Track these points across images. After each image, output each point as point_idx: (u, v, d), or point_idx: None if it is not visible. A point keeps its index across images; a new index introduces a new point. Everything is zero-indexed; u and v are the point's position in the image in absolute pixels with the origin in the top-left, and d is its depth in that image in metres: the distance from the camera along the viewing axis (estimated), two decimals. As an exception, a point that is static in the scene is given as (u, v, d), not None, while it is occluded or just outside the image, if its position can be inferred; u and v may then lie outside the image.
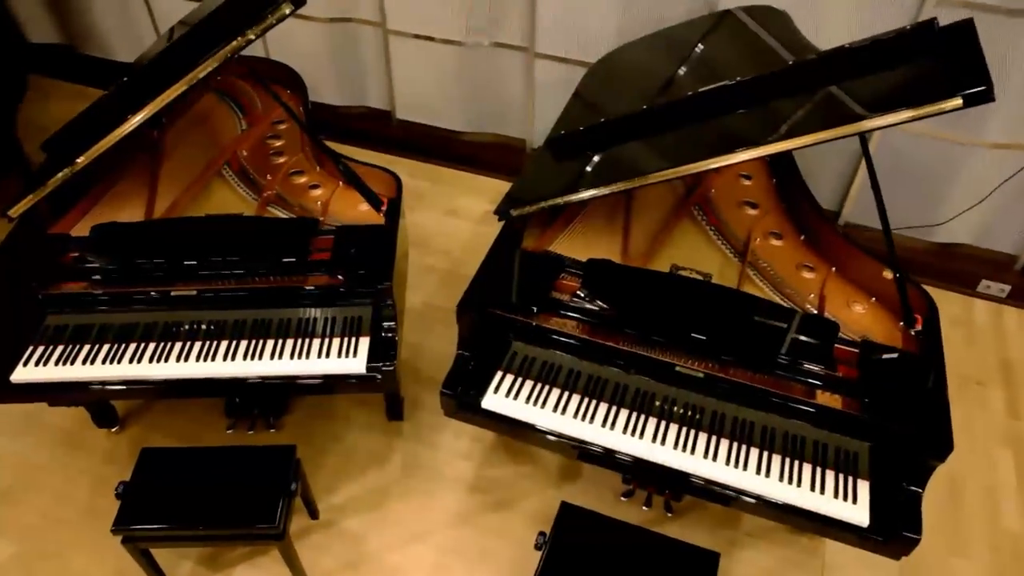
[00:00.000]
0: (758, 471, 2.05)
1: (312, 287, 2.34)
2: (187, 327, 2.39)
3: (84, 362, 2.31)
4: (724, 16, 2.85)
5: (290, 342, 2.36)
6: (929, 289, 2.25)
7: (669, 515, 2.44)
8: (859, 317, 2.20)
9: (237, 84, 3.10)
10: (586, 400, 2.20)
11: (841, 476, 2.03)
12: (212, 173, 2.69)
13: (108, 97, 2.46)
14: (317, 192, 2.63)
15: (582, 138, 2.39)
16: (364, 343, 2.34)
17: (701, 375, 2.07)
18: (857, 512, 1.97)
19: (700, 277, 2.28)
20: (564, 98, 2.83)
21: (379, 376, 2.32)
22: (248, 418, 2.71)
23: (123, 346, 2.35)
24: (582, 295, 2.23)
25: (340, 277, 2.34)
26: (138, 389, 2.35)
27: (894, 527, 1.93)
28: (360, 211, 2.55)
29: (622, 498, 2.48)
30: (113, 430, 2.78)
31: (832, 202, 3.42)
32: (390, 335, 2.35)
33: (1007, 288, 3.29)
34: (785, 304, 2.21)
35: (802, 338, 2.04)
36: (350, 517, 2.55)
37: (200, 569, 2.43)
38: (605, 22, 3.26)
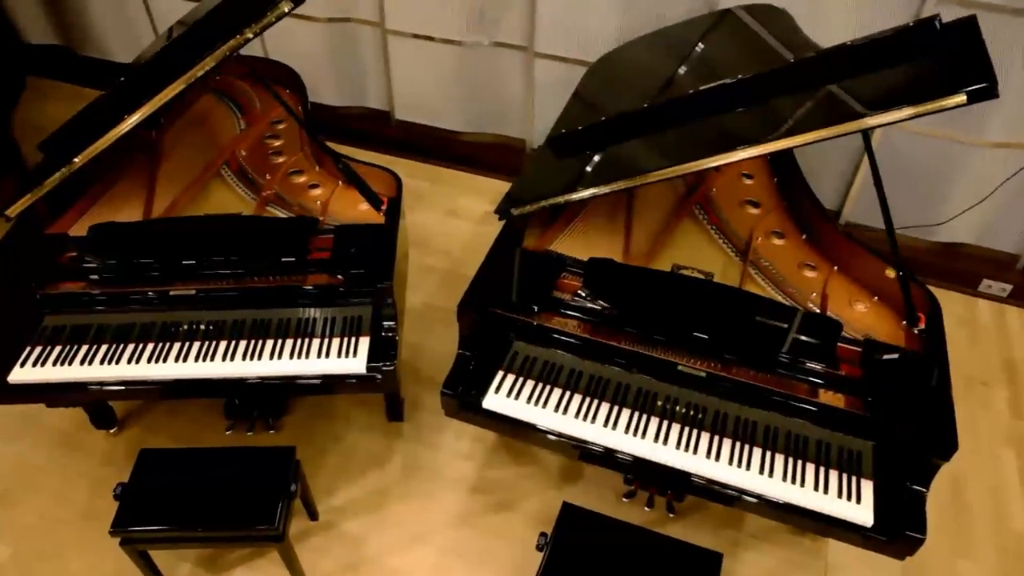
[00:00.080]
0: (761, 471, 2.04)
1: (312, 287, 2.33)
2: (186, 327, 2.37)
3: (82, 362, 2.30)
4: (724, 15, 2.85)
5: (289, 342, 2.35)
6: (931, 289, 2.24)
7: (671, 515, 2.43)
8: (862, 316, 2.20)
9: (236, 84, 3.09)
10: (588, 400, 2.18)
11: (844, 476, 2.02)
12: (211, 173, 2.68)
13: (105, 97, 2.45)
14: (316, 191, 2.62)
15: (582, 137, 2.38)
16: (364, 343, 2.33)
17: (703, 374, 2.06)
18: (861, 512, 1.96)
19: (702, 276, 2.27)
20: (564, 98, 2.82)
21: (379, 376, 2.31)
22: (247, 419, 2.70)
23: (121, 346, 2.34)
24: (583, 294, 2.22)
25: (340, 277, 2.33)
26: (136, 390, 2.34)
27: (898, 527, 1.92)
28: (360, 210, 2.54)
29: (624, 499, 2.47)
30: (111, 431, 2.77)
31: (833, 202, 3.42)
32: (390, 335, 2.34)
33: (1009, 288, 3.28)
34: (787, 303, 2.20)
35: (804, 337, 2.03)
36: (350, 518, 2.54)
37: (199, 571, 2.42)
38: (605, 21, 3.26)
